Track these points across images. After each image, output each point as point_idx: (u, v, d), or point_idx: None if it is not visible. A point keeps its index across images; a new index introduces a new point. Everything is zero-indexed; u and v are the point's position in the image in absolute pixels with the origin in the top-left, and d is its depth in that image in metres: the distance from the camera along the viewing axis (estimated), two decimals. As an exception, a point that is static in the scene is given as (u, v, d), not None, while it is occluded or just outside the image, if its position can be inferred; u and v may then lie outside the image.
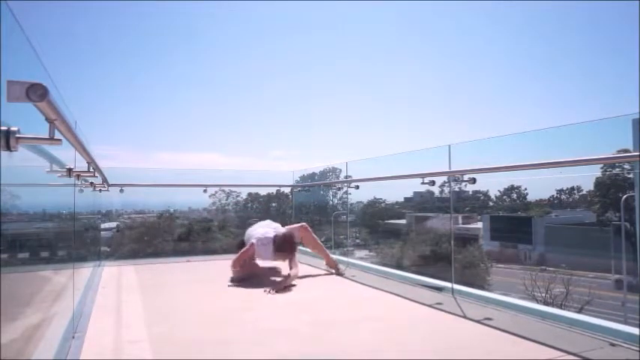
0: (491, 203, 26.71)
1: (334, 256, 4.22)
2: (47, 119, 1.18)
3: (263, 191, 8.61)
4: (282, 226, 4.03)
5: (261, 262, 3.90)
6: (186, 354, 2.06)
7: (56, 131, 1.22)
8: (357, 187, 4.68)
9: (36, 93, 0.97)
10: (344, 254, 5.17)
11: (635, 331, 2.09)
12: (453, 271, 3.33)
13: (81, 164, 2.35)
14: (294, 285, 3.54)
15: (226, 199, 9.46)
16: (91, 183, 3.28)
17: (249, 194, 9.30)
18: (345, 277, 3.89)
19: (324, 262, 4.14)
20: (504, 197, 27.82)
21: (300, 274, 4.10)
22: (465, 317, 2.59)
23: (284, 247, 3.71)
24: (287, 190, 7.06)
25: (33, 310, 1.71)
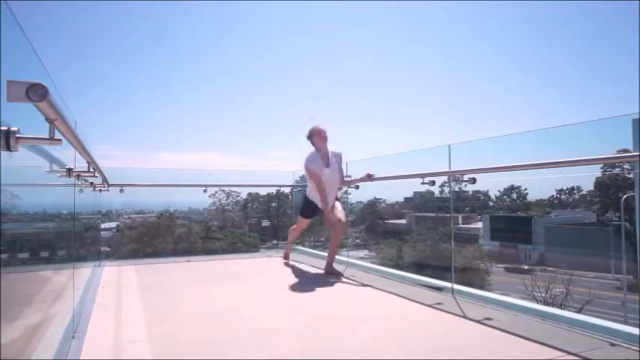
0: (491, 203, 26.70)
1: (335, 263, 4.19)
2: (47, 119, 1.18)
3: (263, 191, 8.62)
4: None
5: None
6: (185, 354, 2.06)
7: (56, 131, 1.22)
8: (357, 187, 4.67)
9: (36, 93, 0.97)
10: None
11: (635, 331, 2.09)
12: (453, 271, 3.33)
13: (81, 164, 2.35)
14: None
15: (226, 199, 9.48)
16: (91, 183, 3.28)
17: (249, 194, 9.31)
18: (345, 277, 3.89)
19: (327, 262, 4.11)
20: (504, 197, 27.82)
21: (299, 275, 4.10)
22: (465, 317, 2.59)
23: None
24: (287, 190, 7.06)
25: (33, 310, 1.71)
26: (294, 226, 4.61)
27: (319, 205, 4.02)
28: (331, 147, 4.10)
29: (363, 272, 4.12)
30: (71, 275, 2.48)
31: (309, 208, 4.23)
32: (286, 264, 4.58)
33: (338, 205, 4.10)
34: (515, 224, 23.71)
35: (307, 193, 4.23)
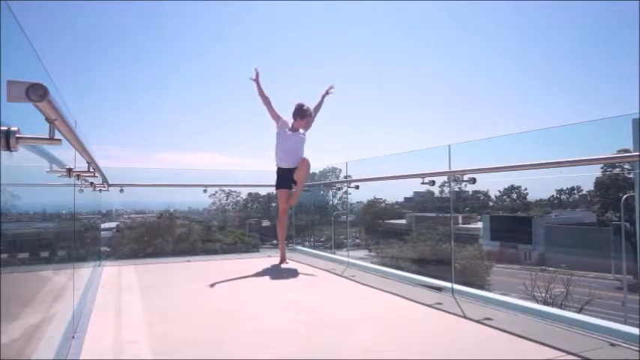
0: (491, 203, 26.69)
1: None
2: (47, 119, 1.18)
3: (263, 191, 8.61)
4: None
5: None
6: (185, 354, 2.06)
7: (56, 131, 1.22)
8: (357, 187, 4.68)
9: (36, 93, 0.97)
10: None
11: (635, 331, 2.09)
12: (453, 271, 3.33)
13: (81, 164, 2.35)
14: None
15: (226, 199, 9.47)
16: (91, 183, 3.28)
17: (249, 194, 9.31)
18: (345, 277, 3.89)
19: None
20: (504, 197, 27.80)
21: (299, 275, 4.10)
22: (465, 317, 2.59)
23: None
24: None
25: (33, 310, 1.70)
26: (279, 218, 4.66)
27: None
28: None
29: (363, 272, 4.12)
30: (71, 275, 2.48)
31: (281, 177, 4.50)
32: (286, 264, 4.58)
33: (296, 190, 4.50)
34: (515, 224, 23.71)
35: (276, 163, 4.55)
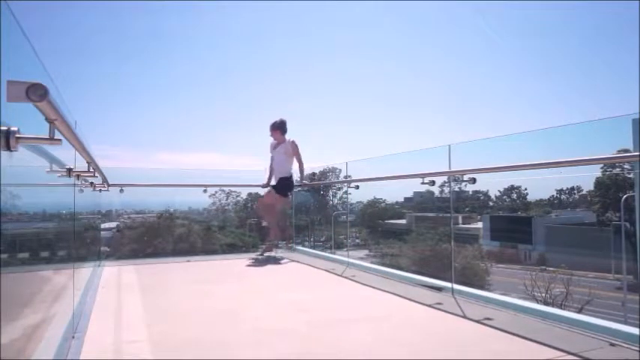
0: (491, 203, 26.67)
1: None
2: (47, 119, 1.18)
3: (263, 191, 8.59)
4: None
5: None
6: (185, 354, 2.06)
7: (56, 131, 1.22)
8: (357, 187, 4.68)
9: (36, 93, 0.97)
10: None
11: (635, 331, 2.09)
12: (453, 271, 3.33)
13: (81, 164, 2.35)
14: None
15: (226, 199, 9.46)
16: (91, 183, 3.28)
17: (249, 194, 9.28)
18: (345, 277, 3.89)
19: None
20: (504, 197, 27.79)
21: (299, 275, 4.10)
22: (465, 317, 2.59)
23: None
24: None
25: (33, 310, 1.70)
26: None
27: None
28: (288, 137, 5.22)
29: (363, 272, 4.12)
30: (71, 275, 2.48)
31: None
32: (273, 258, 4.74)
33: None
34: (515, 224, 23.68)
35: None
